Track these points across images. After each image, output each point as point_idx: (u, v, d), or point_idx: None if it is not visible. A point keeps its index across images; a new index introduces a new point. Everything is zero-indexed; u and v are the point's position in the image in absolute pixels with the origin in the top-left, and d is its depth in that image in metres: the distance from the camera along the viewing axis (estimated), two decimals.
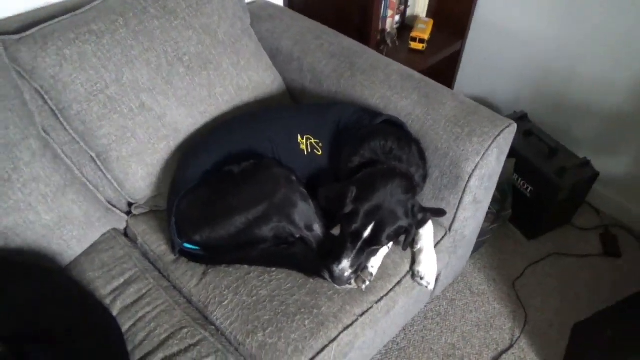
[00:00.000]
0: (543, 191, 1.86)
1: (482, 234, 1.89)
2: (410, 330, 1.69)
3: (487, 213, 1.89)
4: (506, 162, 1.88)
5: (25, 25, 1.17)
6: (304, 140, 1.26)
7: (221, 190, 1.18)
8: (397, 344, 1.65)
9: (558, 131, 2.03)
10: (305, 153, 1.26)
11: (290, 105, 1.56)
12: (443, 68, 2.29)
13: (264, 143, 1.26)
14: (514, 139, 1.91)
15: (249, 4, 1.73)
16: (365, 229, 1.09)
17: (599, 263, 1.91)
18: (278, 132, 1.27)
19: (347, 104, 1.38)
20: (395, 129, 1.26)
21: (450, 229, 1.37)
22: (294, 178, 1.19)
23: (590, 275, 1.87)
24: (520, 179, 1.94)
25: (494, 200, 1.92)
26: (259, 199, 1.15)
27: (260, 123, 1.30)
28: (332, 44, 1.53)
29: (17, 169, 1.09)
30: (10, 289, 0.95)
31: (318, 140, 1.26)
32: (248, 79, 1.45)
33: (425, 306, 1.76)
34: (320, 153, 1.25)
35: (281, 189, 1.16)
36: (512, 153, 1.89)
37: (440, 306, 1.76)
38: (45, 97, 1.18)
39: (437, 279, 1.53)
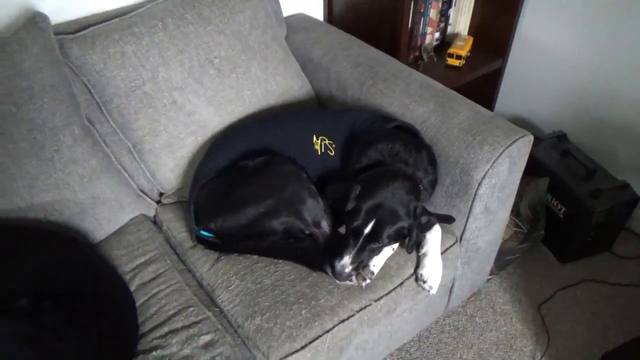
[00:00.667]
0: (576, 213, 1.79)
1: (509, 252, 1.85)
2: (424, 342, 1.67)
3: (517, 232, 1.87)
4: (539, 181, 1.87)
5: (81, 28, 1.33)
6: (319, 141, 1.32)
7: (235, 183, 1.26)
8: (410, 354, 1.64)
9: (598, 153, 1.95)
10: (319, 153, 1.32)
11: (311, 108, 1.63)
12: (483, 86, 2.28)
13: (280, 142, 1.33)
14: (549, 158, 1.91)
15: (288, 16, 1.84)
16: (365, 225, 1.12)
17: (635, 294, 1.80)
18: (295, 132, 1.34)
19: (364, 109, 1.43)
20: (406, 134, 1.29)
21: (461, 238, 1.36)
22: (304, 175, 1.26)
23: (624, 305, 1.76)
24: (553, 199, 1.89)
25: (525, 219, 1.88)
26: (269, 192, 1.22)
27: (279, 123, 1.38)
28: (359, 55, 1.59)
29: (59, 151, 1.23)
30: (37, 253, 1.07)
31: (332, 142, 1.32)
32: (276, 83, 1.54)
33: (443, 319, 1.73)
34: (332, 154, 1.31)
35: (290, 184, 1.22)
36: (547, 172, 1.87)
37: (458, 321, 1.74)
38: (92, 90, 1.33)
39: (451, 291, 1.53)
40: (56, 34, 1.26)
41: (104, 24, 1.32)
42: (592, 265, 1.91)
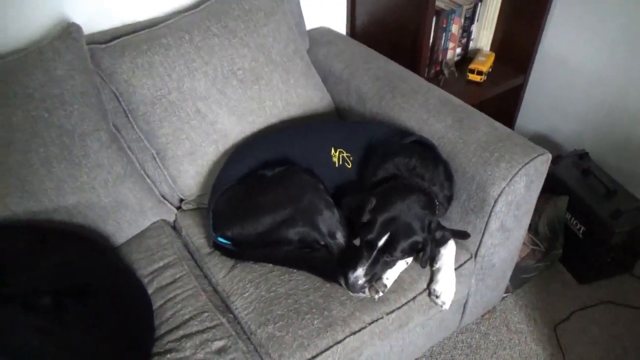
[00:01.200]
0: (596, 233, 1.77)
1: (526, 270, 1.83)
2: (436, 358, 1.67)
3: (534, 250, 1.85)
4: (559, 199, 1.86)
5: (112, 38, 1.38)
6: (337, 154, 1.34)
7: (253, 192, 1.29)
8: None
9: (621, 172, 1.93)
10: (336, 165, 1.34)
11: (331, 120, 1.65)
12: (504, 102, 2.27)
13: (299, 153, 1.36)
14: (570, 176, 1.89)
15: (311, 29, 1.88)
16: (380, 238, 1.13)
17: None
18: (313, 144, 1.37)
19: (382, 123, 1.45)
20: (423, 149, 1.30)
21: (476, 255, 1.36)
22: (321, 186, 1.28)
23: None
24: (573, 218, 1.87)
25: (543, 237, 1.86)
26: (286, 202, 1.25)
27: (299, 134, 1.40)
28: (380, 69, 1.61)
29: (86, 156, 1.28)
30: (60, 252, 1.11)
31: (349, 154, 1.34)
32: (296, 95, 1.57)
33: (456, 336, 1.72)
34: (349, 166, 1.33)
35: (307, 195, 1.24)
36: (567, 191, 1.85)
37: (472, 338, 1.72)
38: (119, 98, 1.38)
39: (465, 307, 1.52)
40: (88, 43, 1.32)
41: (133, 34, 1.38)
42: (611, 286, 1.87)
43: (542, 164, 1.27)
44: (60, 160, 1.23)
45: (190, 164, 1.46)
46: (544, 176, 1.31)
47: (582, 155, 1.98)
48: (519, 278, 1.81)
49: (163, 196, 1.51)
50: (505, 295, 1.83)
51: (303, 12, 1.74)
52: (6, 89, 1.17)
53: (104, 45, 1.34)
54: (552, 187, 1.78)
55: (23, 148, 1.19)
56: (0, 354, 0.87)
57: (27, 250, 1.11)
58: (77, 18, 1.38)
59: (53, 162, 1.23)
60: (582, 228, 1.82)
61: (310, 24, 1.85)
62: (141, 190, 1.41)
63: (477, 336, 1.73)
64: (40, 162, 1.21)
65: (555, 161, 1.88)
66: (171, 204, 1.52)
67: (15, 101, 1.17)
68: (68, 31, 1.26)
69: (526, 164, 1.23)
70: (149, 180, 1.46)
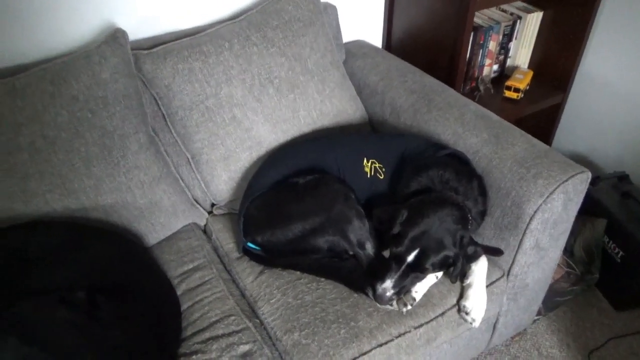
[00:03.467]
0: (635, 258, 1.70)
1: (560, 293, 1.77)
2: None
3: (569, 273, 1.79)
4: (596, 222, 1.80)
5: (155, 44, 1.43)
6: (369, 164, 1.34)
7: (284, 199, 1.30)
8: None
9: None
10: (368, 176, 1.33)
11: (364, 132, 1.66)
12: (541, 121, 2.23)
13: (331, 162, 1.36)
14: (608, 199, 1.83)
15: (348, 42, 1.90)
16: (409, 253, 1.12)
17: None
18: (346, 154, 1.37)
19: (416, 135, 1.44)
20: (457, 162, 1.29)
21: (508, 273, 1.33)
22: (352, 196, 1.27)
23: None
24: (611, 242, 1.80)
25: (578, 260, 1.80)
26: (317, 210, 1.25)
27: (332, 144, 1.41)
28: (415, 82, 1.61)
29: (125, 157, 1.31)
30: (94, 249, 1.14)
31: (382, 165, 1.33)
32: (331, 105, 1.58)
33: (485, 357, 1.68)
34: (382, 177, 1.32)
35: (338, 204, 1.24)
36: (605, 213, 1.79)
37: None
38: (159, 102, 1.42)
39: (495, 327, 1.48)
40: (133, 49, 1.36)
41: (176, 41, 1.42)
42: None
43: (581, 182, 1.23)
44: (100, 160, 1.27)
45: (224, 169, 1.48)
46: (583, 195, 1.28)
47: (622, 178, 1.91)
48: (553, 301, 1.76)
49: (196, 200, 1.53)
50: (537, 318, 1.77)
51: (341, 25, 1.76)
52: (53, 90, 1.21)
53: (147, 51, 1.39)
54: (589, 209, 1.72)
55: (66, 147, 1.23)
56: (35, 346, 0.89)
57: (64, 247, 1.14)
58: (124, 24, 1.43)
59: (93, 162, 1.27)
60: (621, 252, 1.76)
61: (347, 37, 1.86)
62: (175, 193, 1.44)
63: (506, 358, 1.68)
64: (82, 161, 1.25)
65: (593, 183, 1.83)
66: (203, 208, 1.54)
67: (61, 102, 1.22)
68: (114, 36, 1.30)
69: (564, 181, 1.20)
70: (182, 184, 1.49)
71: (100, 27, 1.44)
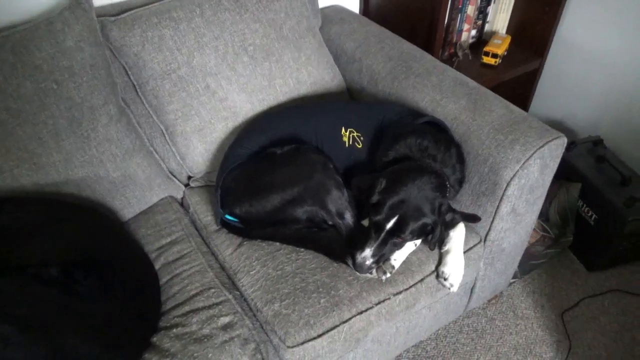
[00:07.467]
0: (608, 220, 1.74)
1: (535, 257, 1.82)
2: (442, 341, 1.66)
3: (544, 236, 1.83)
4: (571, 186, 1.83)
5: (123, 10, 1.36)
6: (347, 133, 1.32)
7: (262, 169, 1.27)
8: (426, 352, 1.64)
9: (636, 161, 1.89)
10: (347, 145, 1.32)
11: (341, 100, 1.63)
12: (519, 86, 2.23)
13: (309, 131, 1.34)
14: (583, 163, 1.86)
15: (324, 7, 1.84)
16: (389, 220, 1.12)
17: None
18: (324, 123, 1.34)
19: (394, 103, 1.42)
20: (435, 130, 1.28)
21: (485, 239, 1.35)
22: (330, 166, 1.26)
23: None
24: (585, 206, 1.84)
25: (553, 224, 1.84)
26: (295, 181, 1.23)
27: (309, 113, 1.38)
28: (393, 48, 1.58)
29: (95, 129, 1.27)
30: (68, 224, 1.11)
31: (360, 134, 1.32)
32: (307, 73, 1.54)
33: (463, 320, 1.72)
34: (360, 146, 1.31)
35: (316, 174, 1.23)
36: (579, 177, 1.82)
37: (478, 323, 1.72)
38: (129, 72, 1.37)
39: (472, 291, 1.51)
40: (98, 15, 1.30)
41: (144, 7, 1.35)
42: (621, 275, 1.85)
43: (557, 147, 1.24)
44: (69, 134, 1.23)
45: (199, 141, 1.45)
46: (559, 160, 1.29)
47: (597, 142, 1.94)
48: (528, 264, 1.80)
49: (171, 172, 1.50)
50: (513, 280, 1.82)
51: None
52: (14, 60, 1.15)
53: (114, 18, 1.32)
54: (564, 173, 1.75)
55: (32, 120, 1.18)
56: (10, 323, 0.87)
57: (37, 223, 1.10)
58: None
59: (62, 135, 1.22)
60: (594, 215, 1.80)
61: (323, 1, 1.81)
62: (149, 166, 1.40)
63: (483, 321, 1.72)
64: (50, 135, 1.20)
65: (568, 148, 1.85)
66: (179, 180, 1.52)
67: (24, 72, 1.16)
68: (78, 2, 1.23)
69: (541, 147, 1.20)
70: (157, 156, 1.46)
71: None
